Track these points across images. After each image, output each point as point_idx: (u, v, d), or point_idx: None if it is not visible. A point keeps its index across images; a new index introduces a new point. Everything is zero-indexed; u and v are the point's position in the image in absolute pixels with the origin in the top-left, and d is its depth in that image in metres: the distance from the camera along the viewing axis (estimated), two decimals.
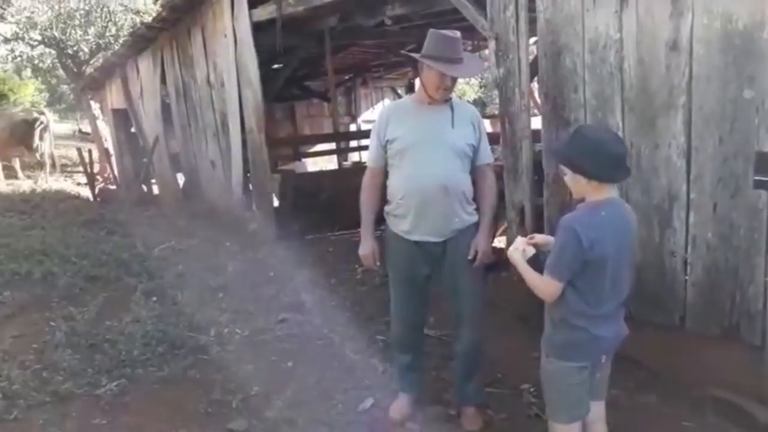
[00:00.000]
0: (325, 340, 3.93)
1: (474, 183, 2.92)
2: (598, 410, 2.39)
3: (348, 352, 3.75)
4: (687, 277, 3.23)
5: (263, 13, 6.31)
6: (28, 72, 20.42)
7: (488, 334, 3.07)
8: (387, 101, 14.54)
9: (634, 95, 3.30)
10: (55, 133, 13.94)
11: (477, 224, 2.88)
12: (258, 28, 6.44)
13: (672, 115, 3.15)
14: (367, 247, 2.95)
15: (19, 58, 16.11)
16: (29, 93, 21.05)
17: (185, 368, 3.54)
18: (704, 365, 3.15)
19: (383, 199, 2.99)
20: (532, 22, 3.79)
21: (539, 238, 2.47)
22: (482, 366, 3.05)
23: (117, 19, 13.84)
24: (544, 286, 2.22)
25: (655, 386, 3.22)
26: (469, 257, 2.84)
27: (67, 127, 22.55)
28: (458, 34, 2.72)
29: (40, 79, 19.82)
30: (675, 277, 3.28)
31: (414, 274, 2.93)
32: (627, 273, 2.25)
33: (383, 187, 2.98)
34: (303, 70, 10.90)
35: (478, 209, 2.91)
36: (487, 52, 4.59)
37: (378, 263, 2.99)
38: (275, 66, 9.53)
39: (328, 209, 7.09)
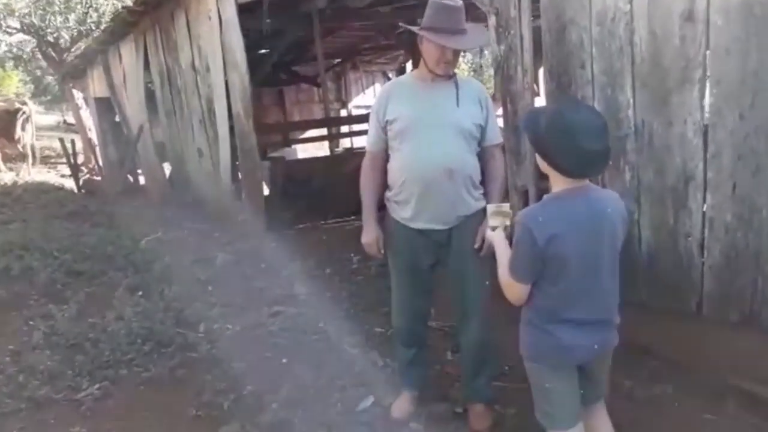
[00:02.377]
0: (321, 333, 3.74)
1: (481, 165, 2.72)
2: (597, 416, 2.16)
3: (345, 347, 3.56)
4: (704, 262, 3.07)
5: None
6: (12, 64, 20.03)
7: (494, 324, 2.88)
8: (378, 86, 14.31)
9: (645, 70, 3.11)
10: (41, 124, 13.65)
11: (484, 210, 2.69)
12: (244, 10, 6.18)
13: (687, 90, 2.97)
14: (369, 234, 2.76)
15: None
16: (13, 84, 20.69)
17: (172, 368, 3.34)
18: (723, 354, 3.00)
19: (384, 185, 2.79)
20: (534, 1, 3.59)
21: None
22: (491, 361, 2.87)
23: (98, 5, 13.45)
24: (509, 287, 2.01)
25: (671, 376, 3.05)
26: (476, 246, 2.65)
27: (52, 118, 22.18)
28: (460, 2, 2.51)
29: (21, 69, 19.39)
30: (691, 261, 3.12)
31: (417, 263, 2.75)
32: (608, 273, 1.97)
33: (384, 172, 2.78)
34: (291, 54, 10.65)
35: (485, 194, 2.72)
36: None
37: (382, 251, 2.81)
38: (263, 51, 9.29)
39: (320, 197, 6.90)
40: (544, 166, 1.97)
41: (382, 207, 2.83)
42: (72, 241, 5.66)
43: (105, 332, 3.58)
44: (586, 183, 1.96)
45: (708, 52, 2.86)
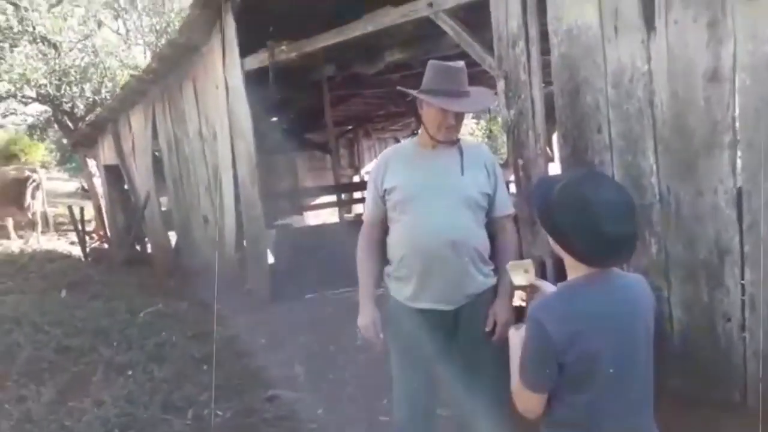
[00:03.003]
0: (319, 422, 3.39)
1: (491, 238, 2.46)
2: None
3: None
4: (746, 345, 2.73)
5: (255, 61, 6.01)
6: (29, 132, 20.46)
7: (511, 420, 2.53)
8: None
9: (669, 134, 2.88)
10: (61, 191, 13.60)
11: (495, 288, 2.41)
12: (253, 78, 6.13)
13: (716, 155, 2.72)
14: (366, 316, 2.49)
15: (12, 115, 15.95)
16: (39, 153, 21.03)
17: None
18: None
19: (383, 260, 2.54)
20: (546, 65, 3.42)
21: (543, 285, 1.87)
22: None
23: (113, 75, 13.67)
24: (519, 396, 1.63)
25: None
26: (487, 329, 2.37)
27: (73, 185, 22.38)
28: (462, 63, 2.33)
29: (36, 137, 19.66)
30: (731, 344, 2.78)
31: (420, 348, 2.44)
32: (643, 377, 1.61)
33: (383, 245, 2.53)
34: (303, 121, 10.65)
35: (496, 269, 2.44)
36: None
37: (381, 335, 2.52)
38: (273, 119, 9.26)
39: (328, 265, 6.62)
40: (556, 248, 1.65)
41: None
42: (67, 314, 5.41)
43: (80, 421, 3.26)
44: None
45: (737, 113, 2.64)
